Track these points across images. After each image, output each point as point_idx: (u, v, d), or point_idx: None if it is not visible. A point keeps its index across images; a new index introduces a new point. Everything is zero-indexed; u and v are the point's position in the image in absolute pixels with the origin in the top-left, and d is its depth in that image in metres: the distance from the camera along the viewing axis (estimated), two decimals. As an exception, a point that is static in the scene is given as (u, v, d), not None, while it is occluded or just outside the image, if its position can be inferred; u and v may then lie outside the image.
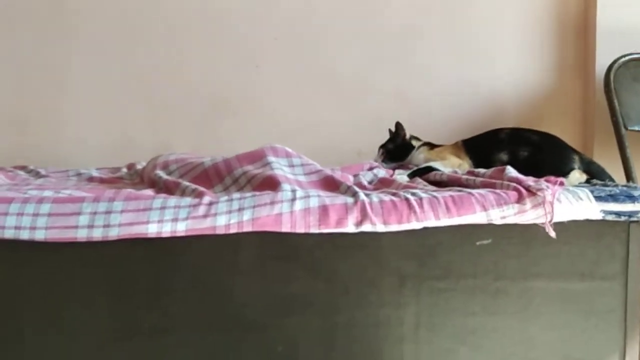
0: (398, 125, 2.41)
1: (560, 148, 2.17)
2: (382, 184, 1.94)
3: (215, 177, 1.87)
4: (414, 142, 2.40)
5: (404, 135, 2.41)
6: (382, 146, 2.43)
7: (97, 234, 1.53)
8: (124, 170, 2.32)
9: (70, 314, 1.60)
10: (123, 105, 2.72)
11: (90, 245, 1.54)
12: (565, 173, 2.02)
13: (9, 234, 1.52)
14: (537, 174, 1.80)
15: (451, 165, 2.18)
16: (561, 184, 1.74)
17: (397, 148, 2.40)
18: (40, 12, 2.71)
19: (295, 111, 2.74)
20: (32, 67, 2.70)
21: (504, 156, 2.12)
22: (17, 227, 1.52)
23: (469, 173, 1.96)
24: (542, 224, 1.65)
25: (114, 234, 1.54)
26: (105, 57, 2.71)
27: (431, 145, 2.38)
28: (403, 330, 1.67)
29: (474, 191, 1.69)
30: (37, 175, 2.25)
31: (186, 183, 1.79)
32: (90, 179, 2.19)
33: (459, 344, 1.69)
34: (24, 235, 1.52)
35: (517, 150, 2.14)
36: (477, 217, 1.64)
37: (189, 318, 1.62)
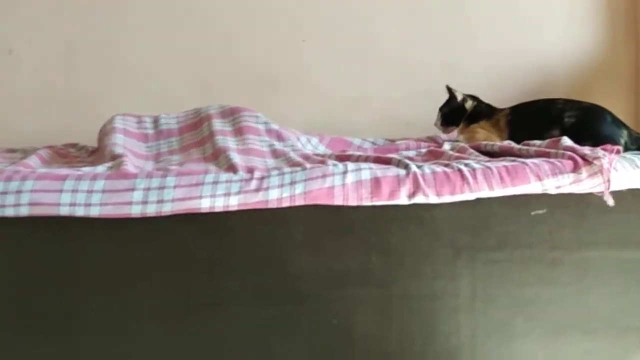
0: (448, 89, 2.34)
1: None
2: (431, 155, 1.91)
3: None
4: (468, 105, 2.31)
5: (456, 97, 2.33)
6: (440, 108, 2.36)
7: (151, 210, 1.54)
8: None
9: (127, 290, 1.61)
10: (172, 84, 2.72)
11: (144, 221, 1.55)
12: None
13: (64, 211, 1.52)
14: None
15: None
16: (618, 152, 1.70)
17: (451, 111, 2.33)
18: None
19: (343, 86, 2.72)
20: (81, 46, 2.71)
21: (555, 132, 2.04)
22: (72, 204, 1.52)
23: (524, 144, 1.92)
24: (599, 192, 1.62)
25: (167, 209, 1.54)
26: (154, 36, 2.72)
27: (474, 113, 2.29)
28: (458, 301, 1.65)
29: (528, 161, 1.67)
30: (88, 152, 2.26)
31: (228, 153, 1.83)
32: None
33: (515, 315, 1.67)
34: (79, 212, 1.52)
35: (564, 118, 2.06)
36: (532, 187, 1.62)
37: (243, 292, 1.62)
